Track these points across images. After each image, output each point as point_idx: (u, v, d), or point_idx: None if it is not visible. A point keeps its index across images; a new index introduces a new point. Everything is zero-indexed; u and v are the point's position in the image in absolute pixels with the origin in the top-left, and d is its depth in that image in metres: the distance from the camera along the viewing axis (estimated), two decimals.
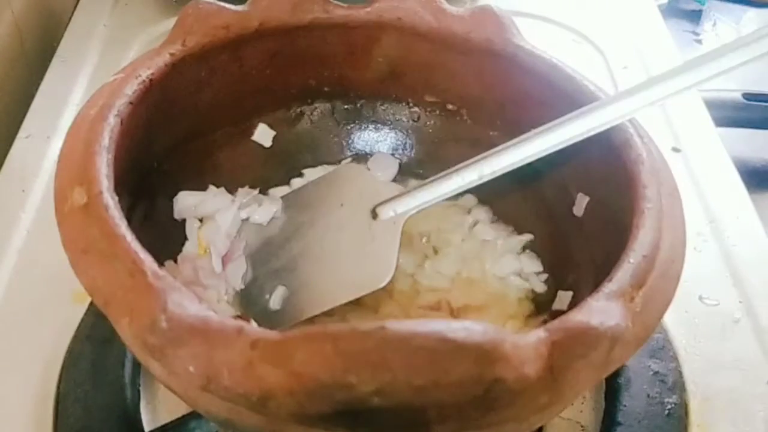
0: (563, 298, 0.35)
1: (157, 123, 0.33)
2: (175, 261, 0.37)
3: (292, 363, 0.21)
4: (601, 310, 0.25)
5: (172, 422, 0.34)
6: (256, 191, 0.40)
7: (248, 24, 0.36)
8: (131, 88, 0.31)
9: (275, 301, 0.35)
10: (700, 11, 0.80)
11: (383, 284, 0.33)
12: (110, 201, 0.26)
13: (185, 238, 0.38)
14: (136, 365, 0.36)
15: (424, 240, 0.40)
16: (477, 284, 0.38)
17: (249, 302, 0.36)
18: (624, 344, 0.25)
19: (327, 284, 0.34)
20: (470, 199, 0.41)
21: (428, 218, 0.40)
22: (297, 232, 0.37)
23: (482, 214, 0.41)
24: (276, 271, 0.36)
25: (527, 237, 0.39)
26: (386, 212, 0.34)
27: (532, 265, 0.38)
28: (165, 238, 0.36)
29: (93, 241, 0.25)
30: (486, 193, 0.40)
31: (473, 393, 0.22)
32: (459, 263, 0.39)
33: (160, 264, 0.33)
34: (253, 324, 0.24)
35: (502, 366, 0.22)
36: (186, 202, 0.37)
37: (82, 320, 0.38)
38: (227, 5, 0.36)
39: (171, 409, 0.35)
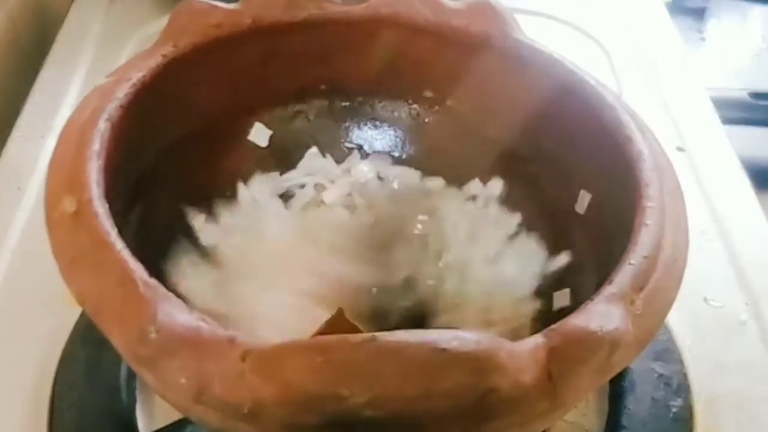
0: (565, 296, 0.35)
1: (149, 125, 0.33)
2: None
3: (282, 374, 0.21)
4: (601, 314, 0.25)
5: (167, 426, 0.34)
6: None
7: (241, 22, 0.35)
8: (122, 92, 0.30)
9: None
10: (705, 8, 0.79)
11: None
12: (100, 209, 0.26)
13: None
14: (132, 368, 0.36)
15: (424, 240, 0.39)
16: (479, 286, 0.37)
17: None
18: (625, 348, 0.25)
19: None
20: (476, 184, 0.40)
21: (432, 217, 0.40)
22: None
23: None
24: None
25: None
26: None
27: (533, 261, 0.38)
28: (164, 242, 0.36)
29: (82, 249, 0.25)
30: None
31: (467, 403, 0.21)
32: (462, 264, 0.38)
33: (160, 269, 0.33)
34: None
35: (497, 375, 0.21)
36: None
37: (77, 322, 0.38)
38: (219, 3, 0.35)
39: (167, 412, 0.35)
